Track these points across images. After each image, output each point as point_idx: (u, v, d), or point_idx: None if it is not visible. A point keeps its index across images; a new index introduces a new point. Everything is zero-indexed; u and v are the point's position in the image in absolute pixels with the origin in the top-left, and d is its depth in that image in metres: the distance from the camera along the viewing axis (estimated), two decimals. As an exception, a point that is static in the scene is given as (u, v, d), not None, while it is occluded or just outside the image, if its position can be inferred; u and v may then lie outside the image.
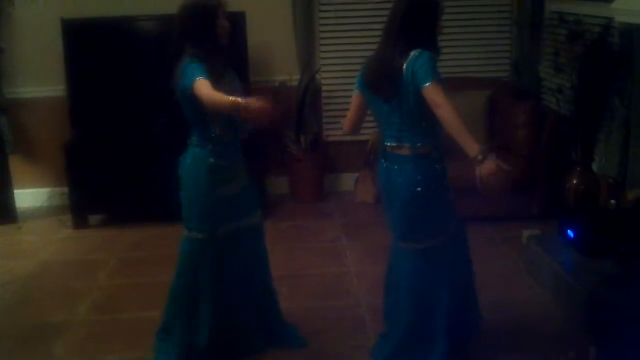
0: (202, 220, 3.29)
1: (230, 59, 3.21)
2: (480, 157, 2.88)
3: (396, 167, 3.12)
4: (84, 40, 5.45)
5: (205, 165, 3.23)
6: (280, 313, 3.66)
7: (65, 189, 5.43)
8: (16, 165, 5.68)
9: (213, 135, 3.22)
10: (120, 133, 5.38)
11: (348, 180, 5.96)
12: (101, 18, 5.50)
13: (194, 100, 3.04)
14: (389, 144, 3.14)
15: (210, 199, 3.26)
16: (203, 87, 2.98)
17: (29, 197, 5.79)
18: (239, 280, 3.44)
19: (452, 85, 5.44)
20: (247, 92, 3.27)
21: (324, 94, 5.95)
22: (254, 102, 2.87)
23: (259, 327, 3.54)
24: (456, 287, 3.26)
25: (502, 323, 3.72)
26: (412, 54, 2.95)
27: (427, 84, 2.90)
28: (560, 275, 3.91)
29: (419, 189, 3.09)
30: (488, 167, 2.87)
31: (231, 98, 2.90)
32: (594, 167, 4.68)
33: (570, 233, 4.10)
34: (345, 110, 6.10)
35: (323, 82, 5.93)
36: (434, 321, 3.22)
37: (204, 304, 3.37)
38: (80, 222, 5.36)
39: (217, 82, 3.04)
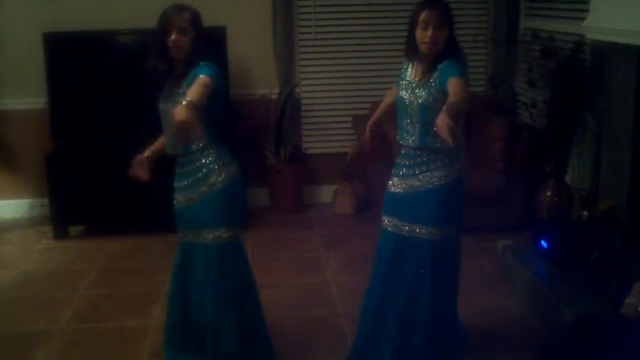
0: None
1: (187, 72, 3.22)
2: None
3: None
4: (66, 53, 5.49)
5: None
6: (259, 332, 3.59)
7: (46, 200, 5.47)
8: (-4, 176, 5.71)
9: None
10: (100, 145, 5.42)
11: (327, 192, 6.03)
12: (82, 32, 5.54)
13: None
14: None
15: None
16: None
17: (9, 207, 5.81)
18: (196, 292, 3.43)
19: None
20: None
21: (303, 107, 6.02)
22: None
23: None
24: None
25: (475, 330, 3.79)
26: None
27: None
28: (533, 284, 4.00)
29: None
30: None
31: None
32: (567, 179, 4.78)
33: (544, 243, 4.20)
34: (325, 122, 6.22)
35: (302, 95, 6.01)
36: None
37: (169, 301, 3.50)
38: (60, 232, 5.39)
39: (157, 94, 3.24)
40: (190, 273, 3.41)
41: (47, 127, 5.52)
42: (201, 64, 3.20)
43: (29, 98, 5.71)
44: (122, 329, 3.99)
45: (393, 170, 3.44)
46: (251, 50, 5.81)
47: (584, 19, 4.23)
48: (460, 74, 3.14)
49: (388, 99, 3.60)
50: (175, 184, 3.37)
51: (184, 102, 2.95)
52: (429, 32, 3.13)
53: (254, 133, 5.83)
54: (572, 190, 4.65)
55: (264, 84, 5.86)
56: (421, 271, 3.31)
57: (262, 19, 5.78)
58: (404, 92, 3.31)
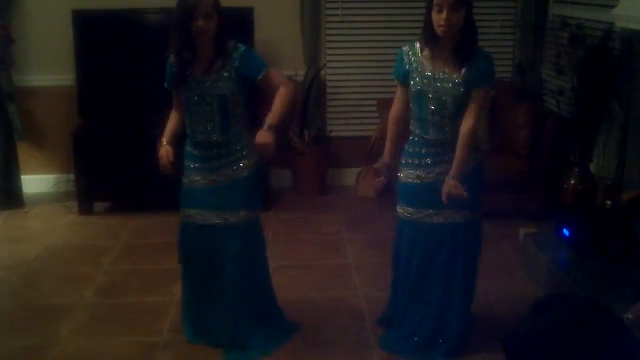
0: (180, 199, 3.49)
1: (221, 60, 3.27)
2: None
3: None
4: (94, 31, 5.54)
5: (184, 149, 3.45)
6: (273, 315, 3.69)
7: (72, 176, 5.55)
8: (24, 152, 5.78)
9: (188, 126, 3.40)
10: (126, 122, 5.47)
11: (350, 175, 6.04)
12: (111, 10, 5.59)
13: None
14: None
15: (182, 181, 3.46)
16: (173, 99, 3.45)
17: (35, 182, 5.88)
18: (205, 274, 3.51)
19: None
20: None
21: (328, 89, 6.03)
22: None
23: (238, 322, 3.52)
24: None
25: (494, 316, 3.82)
26: None
27: None
28: (554, 272, 4.00)
29: None
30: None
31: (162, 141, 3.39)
32: (592, 168, 4.75)
33: (566, 232, 4.19)
34: (349, 105, 6.23)
35: (328, 77, 6.01)
36: None
37: (183, 279, 3.61)
38: (85, 208, 5.46)
39: (182, 82, 3.29)
40: (207, 252, 3.45)
41: (74, 103, 5.59)
42: (241, 47, 3.28)
43: (57, 75, 5.77)
44: (144, 304, 4.04)
45: (405, 160, 3.43)
46: (278, 31, 5.82)
47: (613, 6, 4.19)
48: (491, 81, 3.24)
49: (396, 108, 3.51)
50: (194, 164, 3.40)
51: (265, 127, 3.16)
52: (444, 15, 3.08)
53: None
54: (597, 179, 4.64)
55: (290, 65, 5.87)
56: (457, 255, 3.39)
57: (289, 0, 5.78)
58: (422, 83, 3.26)
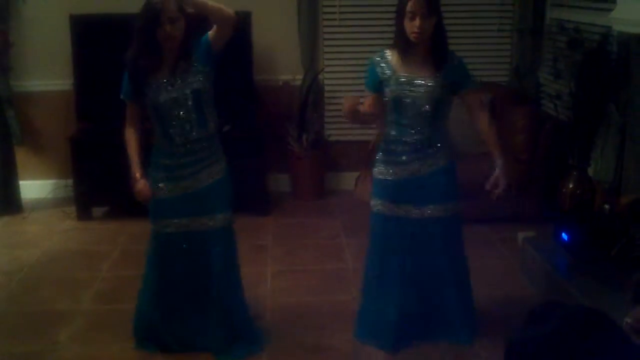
0: (150, 211, 3.47)
1: (185, 62, 3.25)
2: None
3: None
4: (92, 36, 5.53)
5: (151, 161, 3.40)
6: (242, 321, 3.62)
7: (70, 181, 5.54)
8: (22, 157, 5.79)
9: (156, 136, 3.38)
10: (124, 127, 5.45)
11: (348, 179, 6.02)
12: (108, 14, 5.57)
13: None
14: None
15: (153, 193, 3.39)
16: (127, 112, 3.42)
17: (34, 188, 5.87)
18: (187, 279, 3.49)
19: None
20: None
21: (326, 94, 6.03)
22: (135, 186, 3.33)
23: (210, 328, 3.51)
24: None
25: (493, 319, 3.82)
26: None
27: None
28: (553, 276, 4.00)
29: None
30: None
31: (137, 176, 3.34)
32: (590, 171, 4.76)
33: (565, 236, 4.19)
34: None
35: (326, 82, 6.02)
36: None
37: (144, 293, 3.58)
38: (83, 213, 5.46)
39: (140, 91, 3.26)
40: (188, 260, 3.44)
41: (72, 108, 5.58)
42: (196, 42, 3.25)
43: (54, 80, 5.77)
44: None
45: (380, 157, 3.50)
46: (275, 36, 5.83)
47: (610, 10, 4.20)
48: (474, 83, 3.41)
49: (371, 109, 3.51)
50: (165, 174, 3.36)
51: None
52: (417, 22, 3.18)
53: (277, 119, 5.85)
54: (595, 183, 4.64)
55: (287, 70, 5.88)
56: (447, 248, 3.49)
57: (287, 5, 5.80)
58: (398, 89, 3.32)
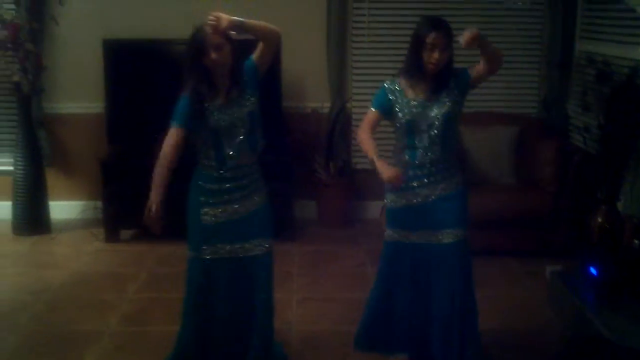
0: (190, 237, 3.46)
1: (237, 85, 3.30)
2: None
3: None
4: (124, 60, 5.62)
5: (194, 186, 3.42)
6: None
7: (99, 203, 5.60)
8: (52, 178, 5.86)
9: (204, 160, 3.38)
10: (154, 151, 5.50)
11: (374, 208, 6.03)
12: (141, 39, 5.67)
13: None
14: None
15: (195, 219, 3.42)
16: (167, 139, 3.33)
17: (63, 209, 5.94)
18: (228, 308, 3.49)
19: (480, 120, 5.59)
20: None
21: (354, 122, 6.06)
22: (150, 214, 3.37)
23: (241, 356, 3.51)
24: None
25: (519, 354, 3.81)
26: None
27: None
28: (581, 310, 3.96)
29: None
30: None
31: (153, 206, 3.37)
32: (619, 206, 4.73)
33: (593, 270, 4.16)
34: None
35: (353, 110, 6.05)
36: None
37: (187, 321, 3.53)
38: (111, 235, 5.51)
39: (199, 117, 3.26)
40: (227, 288, 3.45)
41: (103, 131, 5.66)
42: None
43: (86, 102, 5.86)
44: (169, 333, 4.00)
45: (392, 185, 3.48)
46: (304, 64, 5.89)
47: (639, 43, 4.20)
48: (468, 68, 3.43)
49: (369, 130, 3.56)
50: (210, 200, 3.37)
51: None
52: (435, 55, 3.27)
53: (304, 146, 5.88)
54: (624, 218, 4.60)
55: (315, 97, 5.92)
56: (456, 271, 3.45)
57: (316, 33, 5.85)
58: (411, 113, 3.40)
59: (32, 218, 5.65)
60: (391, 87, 3.47)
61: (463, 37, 3.16)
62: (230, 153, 3.31)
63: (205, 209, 3.39)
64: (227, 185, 3.36)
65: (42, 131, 5.77)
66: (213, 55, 3.17)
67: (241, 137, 3.30)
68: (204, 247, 3.42)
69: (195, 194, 3.41)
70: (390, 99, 3.45)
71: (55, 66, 5.79)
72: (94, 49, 5.60)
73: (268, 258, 3.46)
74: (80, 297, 4.56)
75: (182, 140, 3.32)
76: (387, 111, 3.48)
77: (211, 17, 3.12)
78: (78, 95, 5.89)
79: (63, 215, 5.91)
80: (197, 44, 3.17)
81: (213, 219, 3.39)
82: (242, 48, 3.33)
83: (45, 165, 5.77)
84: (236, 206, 3.38)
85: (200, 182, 3.40)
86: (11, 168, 5.66)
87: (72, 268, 5.01)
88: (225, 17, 3.12)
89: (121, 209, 5.45)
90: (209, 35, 3.15)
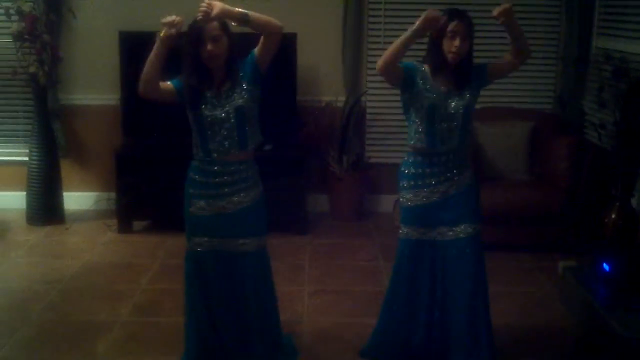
0: (186, 230, 3.45)
1: (231, 80, 3.29)
2: None
3: None
4: (140, 53, 5.57)
5: (187, 177, 3.41)
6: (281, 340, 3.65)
7: (112, 194, 5.64)
8: (66, 169, 5.90)
9: (195, 151, 3.38)
10: (169, 143, 5.53)
11: (387, 202, 6.04)
12: (157, 31, 5.66)
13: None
14: None
15: (186, 210, 3.42)
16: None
17: (76, 199, 5.98)
18: (223, 302, 3.47)
19: (495, 115, 5.58)
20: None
21: (368, 116, 6.06)
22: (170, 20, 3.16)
23: (245, 349, 3.50)
24: None
25: (531, 349, 3.80)
26: None
27: None
28: (593, 307, 3.95)
29: None
30: None
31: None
32: (633, 202, 4.70)
33: (606, 266, 4.14)
34: (388, 132, 6.26)
35: (368, 104, 6.04)
36: None
37: (190, 315, 3.53)
38: (125, 226, 5.54)
39: (189, 107, 3.28)
40: (220, 283, 3.43)
41: (118, 123, 5.68)
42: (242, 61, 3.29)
43: (101, 94, 5.89)
44: (181, 323, 4.03)
45: (407, 182, 3.49)
46: (319, 57, 5.88)
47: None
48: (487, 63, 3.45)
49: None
50: (201, 192, 3.36)
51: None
52: (457, 42, 3.27)
53: (318, 139, 5.89)
54: (638, 215, 4.57)
55: (330, 91, 5.92)
56: (473, 268, 3.45)
57: (332, 27, 5.85)
58: (434, 98, 3.37)
59: (46, 208, 5.69)
60: (419, 67, 3.44)
61: (496, 9, 3.20)
62: (210, 147, 3.30)
63: (194, 200, 3.38)
64: (216, 179, 3.34)
65: (58, 122, 5.81)
66: (209, 46, 3.16)
67: (225, 133, 3.27)
68: (195, 239, 3.41)
69: (187, 185, 3.42)
70: (415, 74, 3.41)
71: (72, 58, 5.82)
72: (110, 41, 5.62)
73: (260, 255, 3.44)
74: (93, 288, 4.59)
75: (167, 86, 3.35)
76: (409, 77, 3.41)
77: (203, 4, 3.10)
78: (94, 87, 5.92)
79: (77, 206, 5.95)
80: (195, 33, 3.17)
81: (201, 211, 3.37)
82: (244, 43, 3.32)
83: (60, 156, 5.80)
84: (223, 203, 3.35)
85: (191, 174, 3.41)
86: (26, 158, 5.70)
87: (85, 258, 5.04)
88: (219, 5, 3.10)
89: (134, 201, 5.49)
90: (207, 25, 3.15)
